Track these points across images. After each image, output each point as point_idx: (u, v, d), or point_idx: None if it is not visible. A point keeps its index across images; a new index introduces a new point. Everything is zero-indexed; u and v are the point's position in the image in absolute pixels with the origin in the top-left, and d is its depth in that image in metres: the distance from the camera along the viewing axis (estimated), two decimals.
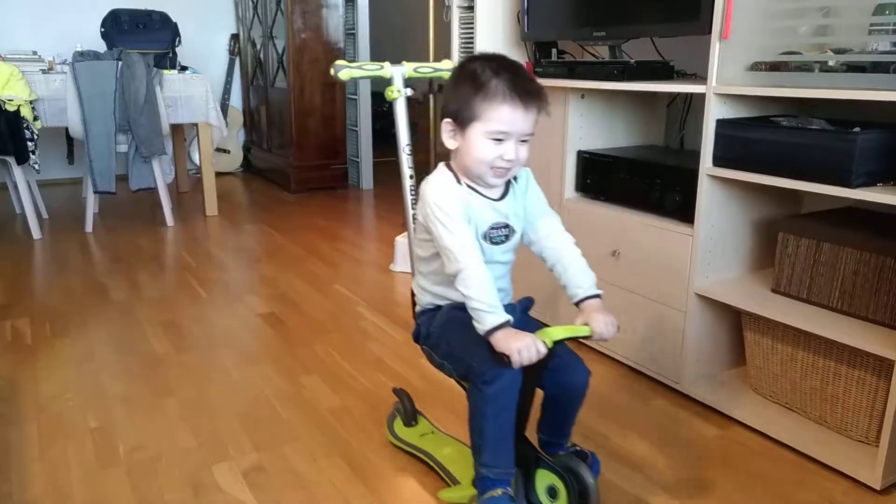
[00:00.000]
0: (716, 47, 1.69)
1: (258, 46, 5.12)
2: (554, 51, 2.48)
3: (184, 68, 4.11)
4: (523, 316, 1.40)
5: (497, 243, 1.34)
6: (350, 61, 1.66)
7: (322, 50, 4.59)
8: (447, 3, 2.67)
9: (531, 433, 1.40)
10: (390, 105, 1.58)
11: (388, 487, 1.54)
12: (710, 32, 1.70)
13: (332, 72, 1.52)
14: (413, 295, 1.49)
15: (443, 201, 1.27)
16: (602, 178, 2.15)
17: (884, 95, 1.38)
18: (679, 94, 2.27)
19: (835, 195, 1.48)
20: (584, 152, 2.18)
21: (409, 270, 3.20)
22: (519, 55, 2.57)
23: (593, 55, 2.53)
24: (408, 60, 1.61)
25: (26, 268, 3.14)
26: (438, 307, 1.42)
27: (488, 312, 1.21)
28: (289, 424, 1.79)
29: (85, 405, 1.88)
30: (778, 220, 1.82)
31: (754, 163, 1.64)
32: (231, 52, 5.39)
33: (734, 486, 1.55)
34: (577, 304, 1.35)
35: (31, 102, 3.41)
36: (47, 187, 4.71)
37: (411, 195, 1.58)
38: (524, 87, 1.24)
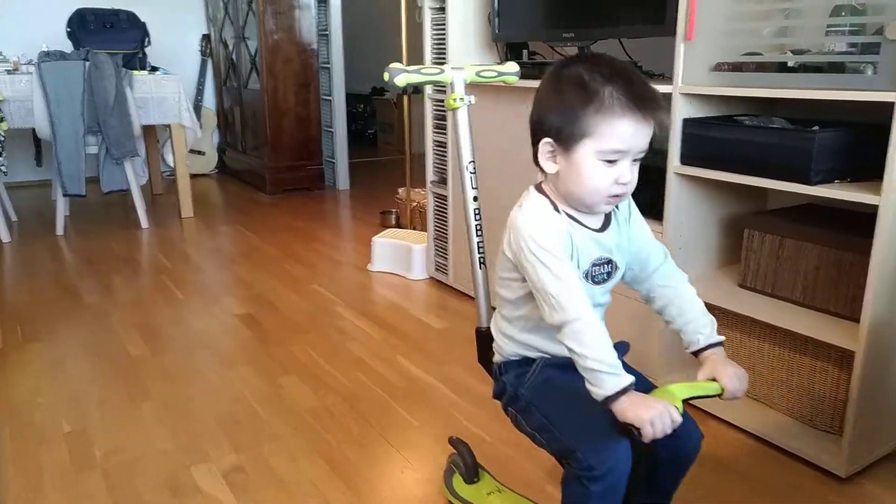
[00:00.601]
0: (681, 48, 1.73)
1: (230, 47, 5.09)
2: (525, 52, 2.51)
3: (154, 69, 4.08)
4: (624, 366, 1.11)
5: (598, 283, 1.13)
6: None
7: (295, 51, 4.58)
8: (419, 4, 2.70)
9: None
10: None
11: (368, 486, 1.56)
12: (675, 34, 1.74)
13: (385, 76, 1.31)
14: (479, 336, 1.32)
15: (543, 237, 1.05)
16: None
17: (840, 95, 1.43)
18: None
19: (796, 192, 1.53)
20: None
21: (387, 270, 3.22)
22: (490, 55, 2.61)
23: (563, 56, 2.56)
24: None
25: None
26: (527, 360, 1.18)
27: (609, 374, 0.98)
28: (268, 425, 1.80)
29: (58, 409, 1.88)
30: (743, 217, 1.87)
31: (720, 161, 1.69)
32: (203, 53, 5.35)
33: (705, 476, 1.59)
34: (694, 353, 1.16)
35: None
36: (15, 190, 4.63)
37: (476, 218, 1.39)
38: (644, 95, 1.02)
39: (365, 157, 6.17)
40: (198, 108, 5.21)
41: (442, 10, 2.56)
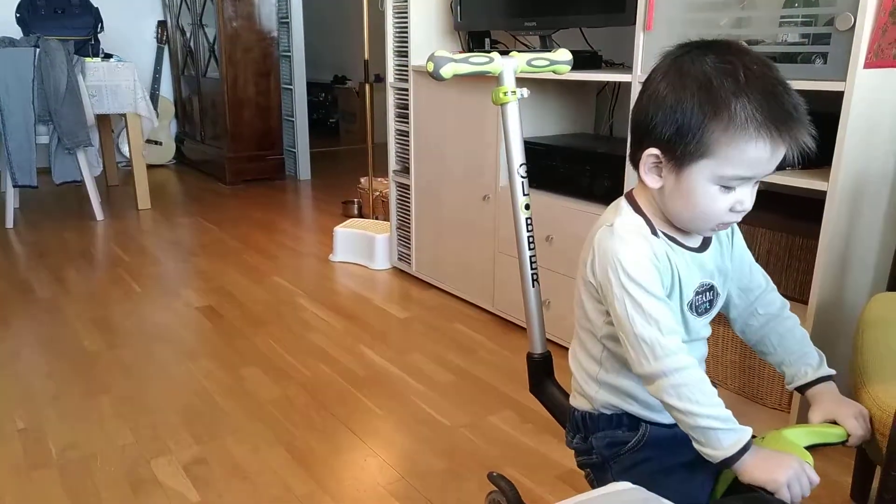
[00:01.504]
0: (640, 38, 1.76)
1: (188, 34, 4.99)
2: (487, 40, 2.52)
3: (108, 56, 3.97)
4: None
5: (701, 314, 0.95)
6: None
7: (255, 39, 4.51)
8: None
9: None
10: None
11: (330, 475, 1.56)
12: (634, 23, 1.77)
13: (429, 67, 1.14)
14: (532, 363, 1.22)
15: (636, 267, 0.86)
16: (534, 165, 2.20)
17: (791, 84, 1.47)
18: (607, 83, 2.34)
19: None
20: None
21: (349, 261, 3.21)
22: (452, 44, 2.61)
23: (525, 45, 2.58)
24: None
25: None
26: (623, 421, 0.98)
27: (724, 430, 0.83)
28: (230, 416, 1.79)
29: (11, 406, 1.83)
30: None
31: None
32: (159, 41, 5.23)
33: None
34: (799, 389, 0.99)
35: None
36: None
37: (528, 229, 1.21)
38: (788, 112, 0.82)
39: (326, 147, 6.12)
40: (154, 96, 5.09)
41: None
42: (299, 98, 4.80)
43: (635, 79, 1.78)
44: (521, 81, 2.20)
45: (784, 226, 1.67)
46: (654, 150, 0.86)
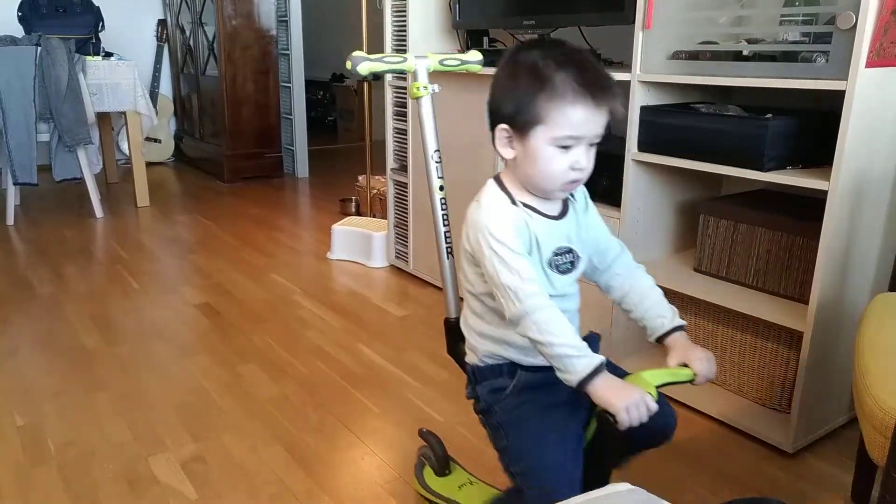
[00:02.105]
0: (639, 37, 1.75)
1: (187, 33, 4.98)
2: (485, 39, 2.52)
3: (108, 55, 3.97)
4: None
5: (564, 272, 1.11)
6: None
7: (254, 37, 4.51)
8: None
9: None
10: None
11: (328, 474, 1.56)
12: (633, 22, 1.76)
13: (348, 65, 1.27)
14: (448, 327, 1.30)
15: (498, 229, 1.04)
16: None
17: (792, 83, 1.47)
18: None
19: (749, 178, 1.56)
20: None
21: (347, 258, 3.21)
22: (451, 43, 2.60)
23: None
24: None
25: None
26: (503, 369, 1.14)
27: (578, 357, 0.97)
28: (227, 414, 1.79)
29: (10, 403, 1.83)
30: (699, 203, 1.91)
31: (676, 148, 1.72)
32: (159, 39, 5.22)
33: (658, 454, 1.62)
34: (658, 339, 1.15)
35: None
36: None
37: (442, 208, 1.37)
38: (596, 82, 1.00)
39: (324, 145, 6.11)
40: (154, 94, 5.09)
41: None
42: (298, 96, 4.79)
43: (634, 77, 1.77)
44: None
45: (784, 225, 1.67)
46: (503, 126, 1.06)
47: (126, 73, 3.73)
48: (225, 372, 2.01)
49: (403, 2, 2.53)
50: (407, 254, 2.82)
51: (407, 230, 2.80)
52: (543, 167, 1.04)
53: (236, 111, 4.55)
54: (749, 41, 1.67)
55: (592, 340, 1.15)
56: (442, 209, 1.37)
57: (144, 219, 3.75)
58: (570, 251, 1.11)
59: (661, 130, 1.75)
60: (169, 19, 5.22)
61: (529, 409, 1.09)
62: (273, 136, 4.75)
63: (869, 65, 1.36)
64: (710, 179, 2.02)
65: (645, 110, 1.79)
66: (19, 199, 3.79)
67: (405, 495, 1.48)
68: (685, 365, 1.08)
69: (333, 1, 6.44)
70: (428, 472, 1.47)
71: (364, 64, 1.28)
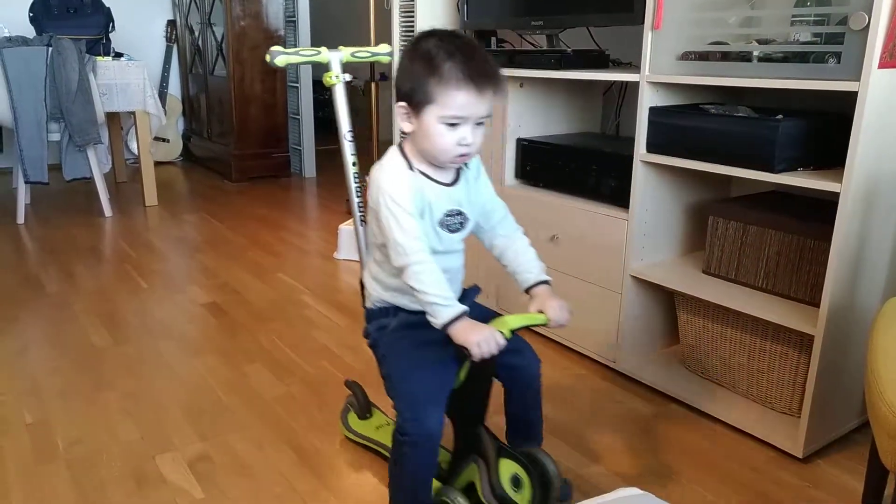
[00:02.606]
0: (648, 37, 1.74)
1: (196, 33, 5.00)
2: (493, 39, 2.51)
3: (118, 55, 3.99)
4: (471, 304, 1.30)
5: (453, 231, 1.28)
6: (288, 47, 1.64)
7: (262, 37, 4.51)
8: None
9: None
10: (332, 92, 1.57)
11: (333, 473, 1.56)
12: (643, 23, 1.75)
13: (267, 58, 1.48)
14: (363, 287, 1.41)
15: (395, 190, 1.20)
16: (541, 165, 2.19)
17: (804, 84, 1.45)
18: (614, 82, 2.33)
19: (759, 180, 1.55)
20: (524, 140, 2.22)
21: (354, 258, 3.21)
22: None
23: (532, 44, 2.57)
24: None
25: None
26: (389, 311, 1.34)
27: (444, 305, 1.16)
28: (234, 413, 1.79)
29: (20, 401, 1.83)
30: (708, 204, 1.90)
31: (685, 149, 1.71)
32: (168, 39, 5.24)
33: (666, 459, 1.62)
34: (526, 290, 1.33)
35: None
36: None
37: (355, 182, 1.54)
38: (479, 71, 1.16)
39: (332, 145, 6.09)
40: (162, 94, 5.10)
41: None
42: (305, 96, 4.80)
43: (643, 78, 1.76)
44: (533, 82, 2.18)
45: (794, 227, 1.65)
46: (402, 103, 1.22)
47: (136, 74, 3.75)
48: (231, 371, 2.01)
49: (411, 2, 2.52)
50: None
51: None
52: (434, 142, 1.20)
53: (244, 111, 4.56)
54: (760, 42, 1.66)
55: (473, 291, 1.39)
56: (355, 182, 1.53)
57: (152, 218, 3.77)
58: (459, 213, 1.29)
59: (671, 131, 1.74)
60: (178, 20, 5.24)
61: (406, 344, 1.29)
62: (280, 135, 4.76)
63: (882, 66, 1.34)
64: (720, 181, 2.01)
65: (654, 111, 1.78)
66: (30, 197, 3.81)
67: None
68: (542, 312, 1.26)
69: (341, 2, 6.45)
70: (352, 417, 1.67)
71: (281, 57, 1.48)
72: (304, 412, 1.79)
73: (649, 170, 1.84)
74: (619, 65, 2.17)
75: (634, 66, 1.98)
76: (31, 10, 3.98)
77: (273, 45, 4.52)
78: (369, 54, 1.60)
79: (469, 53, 1.18)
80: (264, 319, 2.39)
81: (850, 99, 1.38)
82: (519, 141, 2.24)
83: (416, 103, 1.19)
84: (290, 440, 1.67)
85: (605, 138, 2.34)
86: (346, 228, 3.05)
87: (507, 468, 1.29)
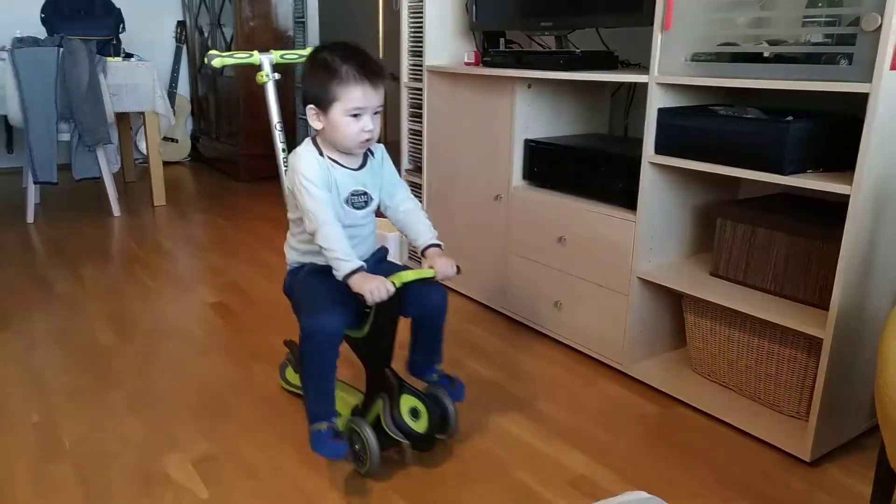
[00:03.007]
0: (658, 38, 1.74)
1: (206, 34, 5.02)
2: (502, 40, 2.51)
3: (128, 55, 4.01)
4: (381, 263, 1.65)
5: (358, 208, 1.57)
6: (297, 48, 1.73)
7: (271, 38, 4.53)
8: None
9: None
10: (264, 90, 1.76)
11: (339, 473, 1.55)
12: (652, 24, 1.75)
13: (206, 60, 1.70)
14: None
15: (307, 171, 1.48)
16: (548, 166, 2.19)
17: (815, 85, 1.44)
18: (623, 83, 2.32)
19: (768, 181, 1.54)
20: (531, 141, 2.22)
21: None
22: (467, 44, 2.60)
23: (540, 45, 2.56)
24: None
25: None
26: (302, 267, 1.63)
27: (344, 261, 1.44)
28: (239, 413, 1.79)
29: (27, 399, 1.84)
30: (716, 206, 1.88)
31: (693, 150, 1.70)
32: (178, 40, 5.26)
33: (673, 461, 1.61)
34: (422, 252, 1.62)
35: None
36: None
37: (284, 166, 1.78)
38: (370, 70, 1.45)
39: None
40: (172, 95, 5.12)
41: None
42: None
43: (652, 79, 1.76)
44: (541, 83, 2.17)
45: (804, 229, 1.64)
46: (311, 106, 1.49)
47: (145, 74, 3.77)
48: (238, 371, 2.01)
49: (420, 3, 2.52)
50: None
51: None
52: (343, 132, 1.47)
53: (252, 111, 4.56)
54: (770, 43, 1.65)
55: (381, 251, 1.68)
56: (284, 165, 1.80)
57: (161, 218, 3.78)
58: (364, 193, 1.57)
59: (679, 133, 1.73)
60: (188, 21, 5.26)
61: (312, 278, 1.56)
62: (288, 136, 4.76)
63: (894, 67, 1.33)
64: (728, 183, 2.00)
65: (662, 113, 1.77)
66: (39, 197, 3.83)
67: (416, 498, 1.47)
68: (431, 267, 1.55)
69: (350, 3, 6.46)
70: (289, 371, 1.88)
71: (217, 59, 1.73)
72: None
73: (657, 171, 1.83)
74: (627, 66, 2.16)
75: (643, 68, 1.97)
76: (42, 10, 4.01)
77: (283, 46, 4.56)
78: (297, 56, 1.84)
79: (359, 57, 1.46)
80: (271, 319, 2.39)
81: (861, 100, 1.37)
82: (527, 142, 2.23)
83: (323, 103, 1.46)
84: (295, 440, 1.66)
85: (613, 140, 2.33)
86: None
87: (407, 402, 1.53)
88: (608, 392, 1.93)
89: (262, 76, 1.79)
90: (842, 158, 1.53)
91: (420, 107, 2.66)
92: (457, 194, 2.55)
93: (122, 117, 4.30)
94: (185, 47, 5.31)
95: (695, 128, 1.70)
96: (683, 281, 1.83)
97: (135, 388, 1.91)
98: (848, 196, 1.42)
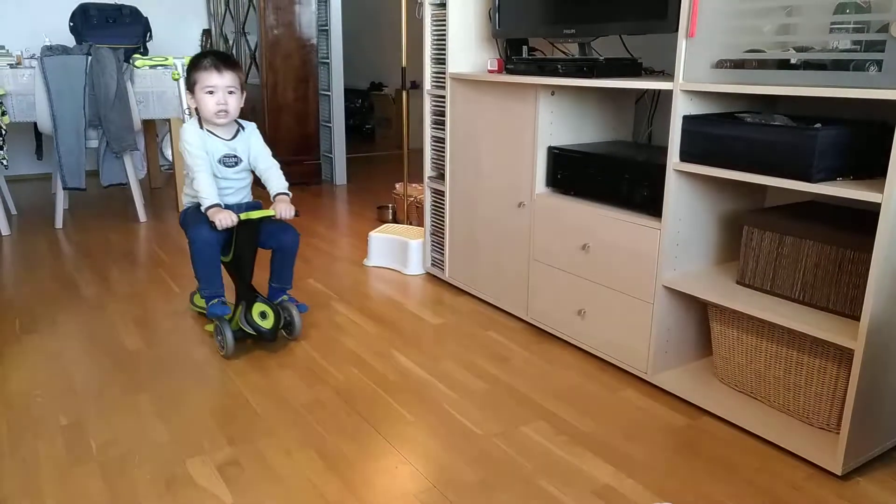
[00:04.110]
0: (682, 45, 1.73)
1: (230, 42, 5.08)
2: (525, 48, 2.51)
3: None
4: (251, 208, 2.19)
5: (229, 166, 2.21)
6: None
7: (295, 46, 4.57)
8: (419, 1, 2.69)
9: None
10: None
11: (362, 481, 1.55)
12: (677, 30, 1.74)
13: (130, 63, 2.38)
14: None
15: (189, 138, 2.14)
16: (572, 173, 2.18)
17: (843, 92, 1.42)
18: (647, 90, 2.31)
19: (796, 189, 1.52)
20: (555, 148, 2.21)
21: (384, 265, 3.23)
22: (490, 52, 2.60)
23: (563, 52, 2.56)
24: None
25: None
26: (191, 206, 2.24)
27: (206, 199, 2.09)
28: (263, 418, 1.80)
29: (55, 402, 1.87)
30: (742, 214, 1.86)
31: (719, 158, 1.68)
32: (203, 48, 5.34)
33: (700, 473, 1.59)
34: (273, 198, 2.22)
35: None
36: (15, 183, 4.64)
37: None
38: (220, 61, 2.12)
39: (362, 153, 6.16)
40: None
41: (443, 5, 2.55)
42: (337, 104, 4.84)
43: (677, 86, 1.74)
44: (564, 90, 2.17)
45: (833, 238, 1.61)
46: (186, 90, 2.18)
47: (171, 82, 3.82)
48: (261, 376, 2.03)
49: (443, 11, 2.53)
50: (443, 262, 2.82)
51: (443, 238, 2.79)
52: (203, 105, 2.13)
53: (276, 118, 4.62)
54: (797, 49, 1.63)
55: (256, 203, 2.27)
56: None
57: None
58: (234, 156, 2.21)
59: (705, 140, 1.72)
60: (213, 29, 5.33)
61: (197, 211, 2.16)
62: (312, 143, 4.81)
63: None
64: (754, 190, 1.98)
65: (688, 120, 1.75)
66: (68, 203, 3.90)
67: None
68: (273, 209, 2.16)
69: (373, 11, 6.50)
70: (196, 297, 2.45)
71: (139, 61, 2.52)
72: (333, 418, 1.80)
73: (683, 179, 1.82)
74: (651, 73, 2.15)
75: (668, 75, 1.96)
76: (71, 19, 4.09)
77: (306, 54, 4.61)
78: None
79: (214, 54, 2.15)
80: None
81: (891, 107, 1.35)
82: (550, 149, 2.23)
83: (191, 86, 2.14)
84: (318, 446, 1.67)
85: (638, 147, 2.32)
86: (375, 235, 3.06)
87: (259, 307, 2.16)
88: (633, 401, 1.91)
89: (175, 74, 2.56)
90: (872, 166, 1.51)
91: (443, 114, 2.67)
92: (480, 201, 2.55)
93: (147, 124, 4.37)
94: None
95: (721, 135, 1.68)
96: (709, 289, 1.81)
97: (160, 391, 1.93)
98: (879, 204, 1.39)
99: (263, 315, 2.13)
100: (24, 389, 1.94)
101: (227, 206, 2.13)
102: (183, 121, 2.42)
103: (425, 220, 2.90)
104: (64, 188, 3.58)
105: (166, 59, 2.38)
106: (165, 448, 1.66)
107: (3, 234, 3.50)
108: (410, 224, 3.40)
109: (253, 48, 4.72)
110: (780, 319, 1.63)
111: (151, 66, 2.37)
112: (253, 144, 2.24)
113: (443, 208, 2.77)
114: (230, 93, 2.10)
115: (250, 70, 4.83)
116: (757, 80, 1.61)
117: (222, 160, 2.17)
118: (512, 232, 2.39)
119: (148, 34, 4.17)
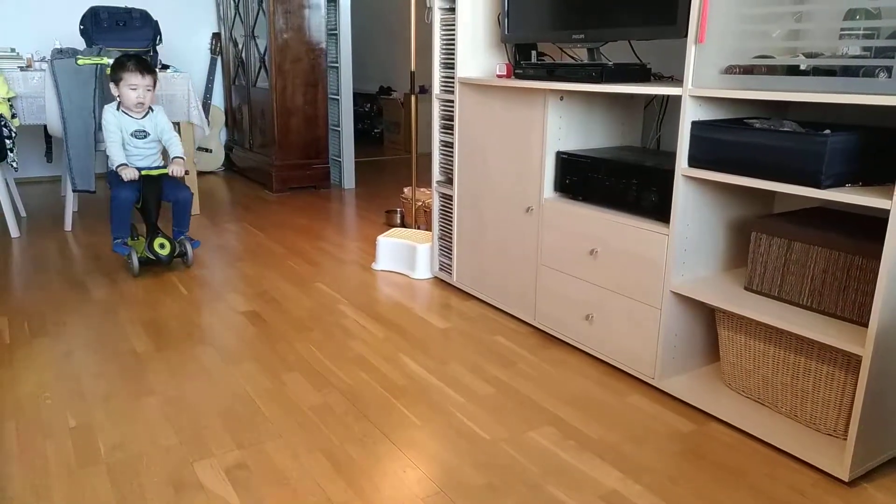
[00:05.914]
0: (692, 51, 1.73)
1: (240, 46, 5.11)
2: (534, 53, 2.51)
3: (165, 67, 4.09)
4: (161, 169, 2.96)
5: (139, 139, 2.96)
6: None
7: (304, 50, 4.59)
8: (428, 5, 2.70)
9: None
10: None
11: (369, 485, 1.56)
12: (686, 36, 1.74)
13: (77, 62, 2.99)
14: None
15: (107, 117, 2.92)
16: (580, 178, 2.18)
17: (853, 98, 1.42)
18: (656, 96, 2.31)
19: (805, 195, 1.52)
20: (563, 153, 2.22)
21: (392, 269, 3.23)
22: (499, 56, 2.61)
23: (572, 57, 2.56)
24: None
25: (4, 266, 3.11)
26: (113, 170, 2.90)
27: (115, 160, 2.87)
28: (270, 421, 1.80)
29: (64, 404, 1.88)
30: (751, 220, 1.86)
31: (728, 164, 1.68)
32: (213, 52, 5.36)
33: (707, 478, 1.58)
34: (171, 161, 2.98)
35: (9, 100, 3.38)
36: (25, 185, 4.67)
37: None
38: (139, 65, 2.88)
39: (371, 157, 6.18)
40: (206, 105, 5.22)
41: (451, 10, 2.56)
42: (345, 108, 4.86)
43: (686, 92, 1.75)
44: (573, 95, 2.17)
45: (842, 244, 1.61)
46: (112, 83, 2.97)
47: (180, 85, 3.84)
48: (269, 379, 2.04)
49: (452, 16, 2.54)
50: (451, 266, 2.82)
51: (451, 242, 2.80)
52: (125, 98, 2.91)
53: (285, 122, 4.63)
54: (807, 55, 1.63)
55: (164, 166, 2.97)
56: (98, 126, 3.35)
57: (194, 226, 3.84)
58: (143, 131, 2.95)
59: (714, 146, 1.72)
60: (223, 33, 5.36)
61: (116, 175, 2.86)
62: (321, 147, 4.82)
63: None
64: (763, 196, 1.97)
65: (696, 125, 1.75)
66: (77, 205, 3.92)
67: None
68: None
69: (382, 15, 6.52)
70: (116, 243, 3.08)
71: (80, 59, 3.22)
72: (341, 422, 1.80)
73: (691, 184, 1.82)
74: (660, 78, 2.15)
75: (676, 80, 1.96)
76: (81, 22, 4.11)
77: (316, 57, 4.63)
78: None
79: (134, 59, 2.88)
80: (302, 329, 2.42)
81: None
82: (558, 154, 2.23)
83: (117, 82, 2.89)
84: (326, 450, 1.67)
85: (646, 152, 2.32)
86: (384, 240, 3.07)
87: (159, 241, 2.91)
88: (640, 406, 1.91)
89: (107, 72, 3.08)
90: (881, 172, 1.50)
91: (451, 118, 2.67)
92: (488, 206, 2.56)
93: None
94: (219, 59, 5.41)
95: (730, 141, 1.68)
96: (717, 295, 1.81)
97: (168, 394, 1.94)
98: (887, 210, 1.39)
99: (162, 246, 2.91)
100: (33, 391, 1.95)
101: (138, 168, 2.87)
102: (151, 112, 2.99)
103: (433, 225, 2.91)
104: (73, 191, 3.60)
105: (103, 58, 3.23)
106: (173, 451, 1.67)
107: (13, 236, 3.52)
108: (418, 228, 3.40)
109: (262, 52, 4.74)
110: (787, 325, 1.63)
111: (88, 64, 3.14)
112: (159, 121, 3.00)
113: (451, 212, 2.77)
114: (148, 90, 2.92)
115: (259, 74, 4.86)
116: (766, 85, 1.61)
117: (134, 133, 2.94)
118: (520, 236, 2.40)
119: (158, 38, 4.19)
